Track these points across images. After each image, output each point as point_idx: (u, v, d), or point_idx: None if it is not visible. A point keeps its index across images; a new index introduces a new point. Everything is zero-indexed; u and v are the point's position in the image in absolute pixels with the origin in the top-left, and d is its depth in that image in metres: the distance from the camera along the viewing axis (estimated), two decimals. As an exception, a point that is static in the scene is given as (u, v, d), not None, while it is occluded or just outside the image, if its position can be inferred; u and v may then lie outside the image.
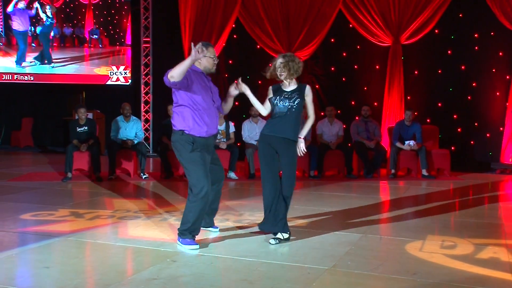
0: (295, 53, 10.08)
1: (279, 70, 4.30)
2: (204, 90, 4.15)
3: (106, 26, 11.74)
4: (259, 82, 10.76)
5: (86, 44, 11.74)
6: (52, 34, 11.63)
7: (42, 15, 11.29)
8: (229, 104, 4.47)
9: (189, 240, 4.05)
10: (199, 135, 4.08)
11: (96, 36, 11.67)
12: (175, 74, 3.96)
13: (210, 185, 4.04)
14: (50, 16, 11.30)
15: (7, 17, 11.54)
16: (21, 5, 11.31)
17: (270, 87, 4.46)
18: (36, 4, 11.32)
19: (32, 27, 11.51)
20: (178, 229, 4.13)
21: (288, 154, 4.27)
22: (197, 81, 4.13)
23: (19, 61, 11.56)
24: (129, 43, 11.65)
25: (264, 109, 4.45)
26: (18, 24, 11.37)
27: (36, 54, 11.59)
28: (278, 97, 4.33)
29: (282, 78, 4.34)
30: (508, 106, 8.81)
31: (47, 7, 11.32)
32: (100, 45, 11.72)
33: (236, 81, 4.36)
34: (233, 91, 4.38)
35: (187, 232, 4.04)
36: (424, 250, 4.08)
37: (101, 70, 11.60)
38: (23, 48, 11.45)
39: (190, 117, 4.06)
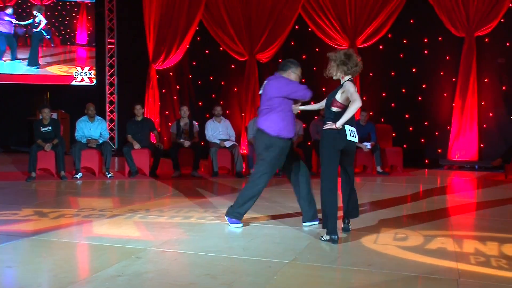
0: (256, 55, 10.43)
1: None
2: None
3: (57, 26, 11.81)
4: (222, 83, 11.06)
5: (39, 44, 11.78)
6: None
7: (42, 20, 11.50)
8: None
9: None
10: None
11: (49, 37, 11.71)
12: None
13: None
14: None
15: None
16: (9, 11, 11.46)
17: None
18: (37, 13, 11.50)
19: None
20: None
21: None
22: None
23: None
24: (79, 42, 11.76)
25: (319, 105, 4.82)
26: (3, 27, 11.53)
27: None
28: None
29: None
30: (454, 107, 9.36)
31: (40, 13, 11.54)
32: (52, 45, 11.76)
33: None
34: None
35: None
36: (379, 242, 4.23)
37: (53, 69, 11.68)
38: (3, 50, 11.59)
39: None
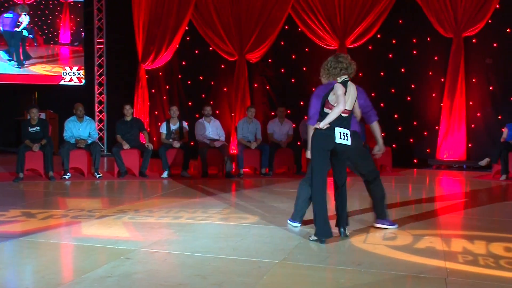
0: (246, 55, 10.44)
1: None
2: None
3: (40, 25, 11.72)
4: (212, 83, 11.05)
5: (20, 43, 11.67)
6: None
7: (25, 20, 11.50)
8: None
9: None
10: None
11: (31, 36, 11.61)
12: None
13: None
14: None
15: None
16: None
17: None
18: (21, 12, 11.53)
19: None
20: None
21: None
22: None
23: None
24: (63, 41, 11.69)
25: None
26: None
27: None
28: None
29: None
30: (442, 107, 9.45)
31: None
32: (35, 44, 11.68)
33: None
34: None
35: None
36: (368, 242, 4.26)
37: (37, 68, 11.60)
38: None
39: None
